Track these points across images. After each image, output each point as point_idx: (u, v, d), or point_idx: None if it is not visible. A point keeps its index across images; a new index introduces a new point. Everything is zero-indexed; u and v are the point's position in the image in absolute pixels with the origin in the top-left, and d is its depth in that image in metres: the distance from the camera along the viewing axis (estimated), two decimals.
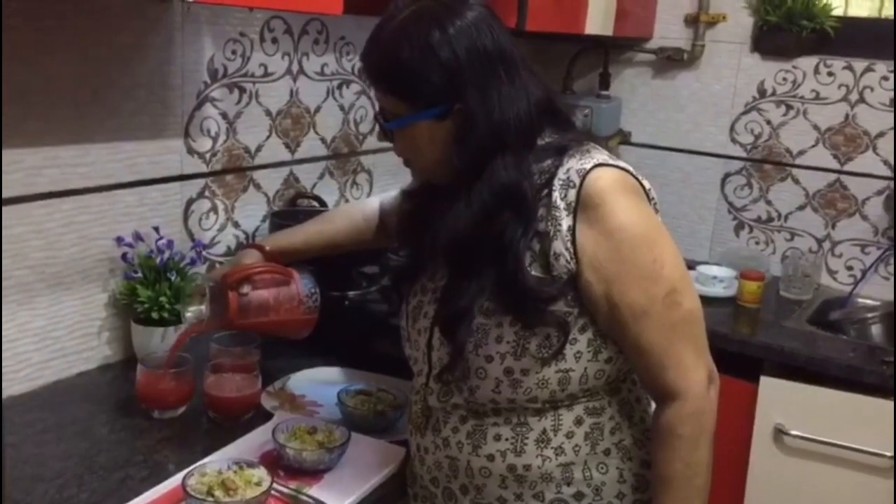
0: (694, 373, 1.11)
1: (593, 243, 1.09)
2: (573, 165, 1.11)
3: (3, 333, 1.44)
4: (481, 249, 1.11)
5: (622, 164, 1.14)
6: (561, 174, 1.11)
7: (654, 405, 1.21)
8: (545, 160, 1.14)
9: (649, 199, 1.16)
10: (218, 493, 1.14)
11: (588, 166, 1.10)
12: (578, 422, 1.16)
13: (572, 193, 1.09)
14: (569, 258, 1.09)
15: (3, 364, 1.44)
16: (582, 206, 1.09)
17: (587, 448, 1.16)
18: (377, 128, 2.17)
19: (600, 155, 1.14)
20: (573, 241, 1.09)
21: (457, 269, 1.15)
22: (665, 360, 1.10)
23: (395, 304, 1.73)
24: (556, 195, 1.10)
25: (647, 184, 1.16)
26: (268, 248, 1.48)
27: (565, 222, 1.09)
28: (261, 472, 1.20)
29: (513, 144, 1.11)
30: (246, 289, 1.39)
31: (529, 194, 1.10)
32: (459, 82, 1.09)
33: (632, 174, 1.14)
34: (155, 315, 1.56)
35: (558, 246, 1.09)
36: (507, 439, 1.16)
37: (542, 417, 1.15)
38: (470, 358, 1.13)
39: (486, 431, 1.17)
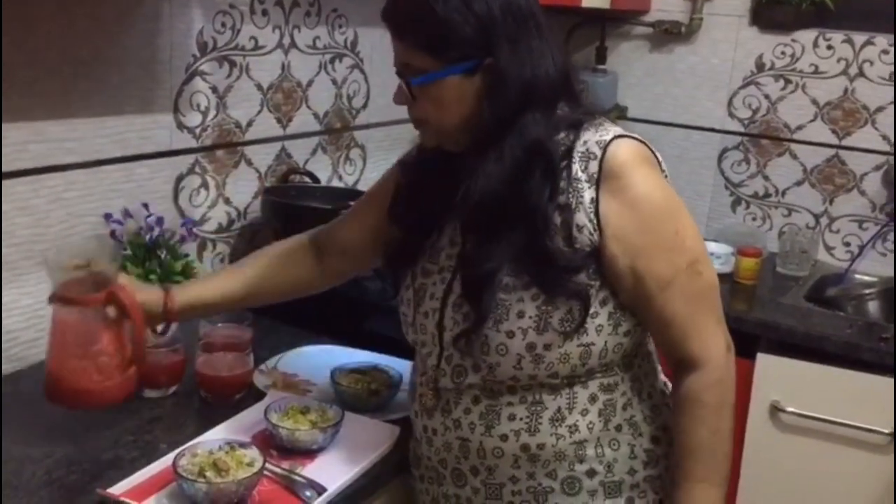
0: (715, 341, 1.13)
1: (617, 214, 1.09)
2: (591, 138, 1.11)
3: None
4: (509, 210, 1.09)
5: (637, 136, 1.15)
6: (579, 147, 1.11)
7: (660, 380, 1.23)
8: (560, 133, 1.13)
9: (662, 171, 1.17)
10: (209, 473, 1.13)
11: (608, 138, 1.11)
12: (592, 399, 1.15)
13: (594, 164, 1.10)
14: (592, 230, 1.09)
15: None
16: (605, 176, 1.09)
17: (600, 425, 1.16)
18: (369, 103, 2.17)
19: (615, 128, 1.14)
20: (596, 213, 1.09)
21: (483, 233, 1.13)
22: (688, 329, 1.12)
23: (389, 282, 1.72)
24: (575, 167, 1.10)
25: (659, 156, 1.17)
26: (177, 301, 1.25)
27: (587, 194, 1.09)
28: (253, 453, 1.19)
29: (541, 101, 1.10)
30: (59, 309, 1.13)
31: (556, 155, 1.10)
32: (492, 36, 1.08)
33: (647, 146, 1.15)
34: None
35: (581, 218, 1.09)
36: (521, 419, 1.15)
37: (558, 395, 1.14)
38: (490, 334, 1.12)
39: (499, 411, 1.15)
